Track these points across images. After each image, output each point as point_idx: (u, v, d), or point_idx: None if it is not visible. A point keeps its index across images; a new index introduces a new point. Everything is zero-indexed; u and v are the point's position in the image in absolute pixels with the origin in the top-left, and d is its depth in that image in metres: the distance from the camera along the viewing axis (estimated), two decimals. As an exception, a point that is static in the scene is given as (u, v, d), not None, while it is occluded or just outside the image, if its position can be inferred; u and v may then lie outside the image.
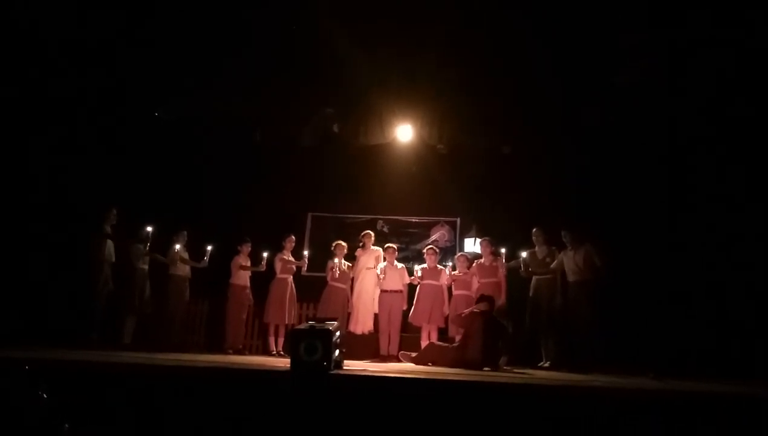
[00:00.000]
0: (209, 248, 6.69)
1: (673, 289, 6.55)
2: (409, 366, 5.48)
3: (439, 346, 5.92)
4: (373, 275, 6.86)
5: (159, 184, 7.42)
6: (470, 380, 3.64)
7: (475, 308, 5.70)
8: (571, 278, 6.00)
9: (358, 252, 6.95)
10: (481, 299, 5.76)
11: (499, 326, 5.62)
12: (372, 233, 7.09)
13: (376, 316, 6.81)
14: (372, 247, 7.00)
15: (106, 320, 6.30)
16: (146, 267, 6.66)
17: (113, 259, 6.41)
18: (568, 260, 6.02)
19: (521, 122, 7.19)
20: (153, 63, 6.58)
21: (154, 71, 6.69)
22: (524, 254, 6.14)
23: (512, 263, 6.33)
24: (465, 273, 6.58)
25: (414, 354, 5.92)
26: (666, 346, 6.21)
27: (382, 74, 6.73)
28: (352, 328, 6.61)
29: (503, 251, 6.31)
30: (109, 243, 6.37)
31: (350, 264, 6.90)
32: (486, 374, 4.57)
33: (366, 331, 6.78)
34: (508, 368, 5.33)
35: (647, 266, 6.66)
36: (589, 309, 5.79)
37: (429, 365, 5.53)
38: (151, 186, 7.35)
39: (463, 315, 5.81)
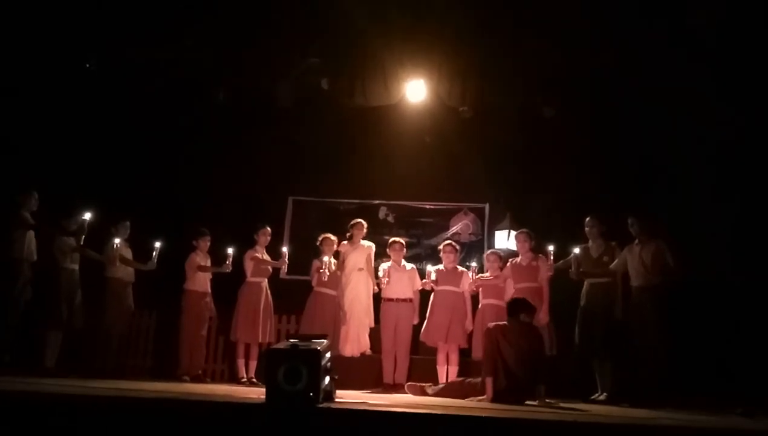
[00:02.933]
0: (157, 244, 6.69)
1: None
2: (420, 399, 5.48)
3: (461, 383, 5.85)
4: (365, 279, 6.89)
5: (92, 160, 7.41)
6: (501, 416, 3.63)
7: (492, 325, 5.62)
8: (635, 281, 6.00)
9: (344, 247, 6.95)
10: (513, 306, 5.59)
11: (539, 338, 5.56)
12: (364, 223, 7.07)
13: (372, 331, 6.85)
14: (362, 241, 7.00)
15: (22, 336, 6.30)
16: (76, 267, 6.66)
17: (34, 257, 6.41)
18: (633, 258, 6.01)
19: (569, 76, 7.13)
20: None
21: (87, 6, 6.63)
22: (576, 251, 6.11)
23: (560, 263, 6.29)
24: (496, 276, 6.56)
25: (428, 386, 5.92)
26: (759, 373, 6.20)
27: (386, 13, 6.67)
28: (340, 348, 6.63)
29: (551, 248, 6.24)
30: (29, 236, 6.36)
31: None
32: (524, 410, 4.56)
33: (358, 353, 6.82)
34: (552, 401, 5.32)
35: (736, 270, 6.64)
36: (657, 323, 5.80)
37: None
38: (82, 162, 7.34)
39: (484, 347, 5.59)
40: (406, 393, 6.08)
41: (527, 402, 5.11)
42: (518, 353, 5.30)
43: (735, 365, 6.37)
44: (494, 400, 5.18)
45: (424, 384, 6.01)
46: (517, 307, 5.52)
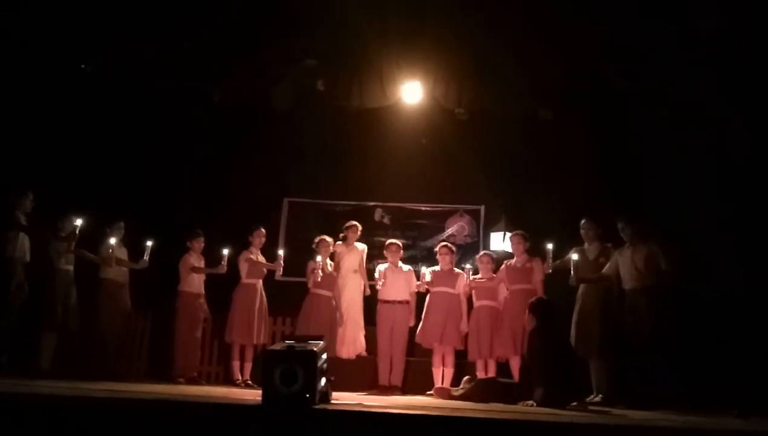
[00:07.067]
0: (149, 243, 6.66)
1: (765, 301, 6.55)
2: (420, 400, 5.46)
3: (492, 381, 5.81)
4: (359, 281, 6.90)
5: (87, 161, 7.39)
6: (497, 417, 3.63)
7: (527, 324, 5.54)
8: (627, 284, 6.01)
9: (338, 248, 6.96)
10: (546, 309, 5.47)
11: (564, 344, 5.51)
12: (359, 225, 7.13)
13: (367, 333, 6.88)
14: (356, 243, 7.03)
15: (17, 337, 6.27)
16: (71, 268, 6.64)
17: (28, 257, 6.38)
18: (625, 261, 6.02)
19: (567, 78, 7.14)
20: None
21: (81, 8, 6.62)
22: (574, 256, 6.08)
23: (557, 262, 6.28)
24: (490, 278, 6.57)
25: (456, 390, 5.87)
26: (754, 374, 6.21)
27: (382, 15, 6.67)
28: (336, 350, 6.65)
29: (550, 246, 6.22)
30: (23, 237, 6.33)
31: (340, 265, 6.93)
32: (518, 411, 4.56)
33: (354, 354, 6.83)
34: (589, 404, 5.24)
35: (730, 272, 6.65)
36: (650, 325, 5.80)
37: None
38: (76, 163, 7.32)
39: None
40: (403, 394, 6.09)
41: (572, 405, 4.98)
42: (561, 357, 5.23)
43: (731, 367, 6.38)
44: (542, 405, 4.99)
45: (450, 388, 6.02)
46: (550, 310, 5.47)
